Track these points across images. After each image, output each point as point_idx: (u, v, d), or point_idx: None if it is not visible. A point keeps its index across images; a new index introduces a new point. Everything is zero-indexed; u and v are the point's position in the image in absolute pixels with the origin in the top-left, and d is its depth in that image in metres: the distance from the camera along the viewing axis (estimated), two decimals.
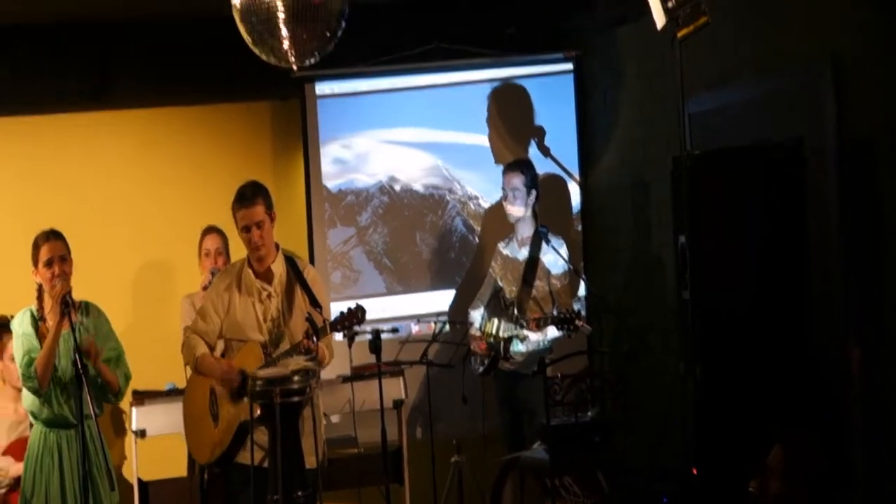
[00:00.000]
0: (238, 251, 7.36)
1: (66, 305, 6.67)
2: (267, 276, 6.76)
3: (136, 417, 7.73)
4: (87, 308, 7.17)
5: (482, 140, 9.05)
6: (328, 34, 5.53)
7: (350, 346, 7.37)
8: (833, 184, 6.27)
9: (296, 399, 6.14)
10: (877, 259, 6.06)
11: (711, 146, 6.99)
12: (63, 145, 9.11)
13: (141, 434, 7.69)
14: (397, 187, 9.03)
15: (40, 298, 7.03)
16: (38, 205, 8.80)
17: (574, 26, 9.16)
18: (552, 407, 7.17)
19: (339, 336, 7.21)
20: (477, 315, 8.11)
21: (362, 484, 7.69)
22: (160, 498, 7.88)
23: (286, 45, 5.49)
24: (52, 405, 6.96)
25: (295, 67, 5.87)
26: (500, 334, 7.83)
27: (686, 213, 6.24)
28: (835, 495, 5.80)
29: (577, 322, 7.40)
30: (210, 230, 8.21)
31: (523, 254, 7.98)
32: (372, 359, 7.30)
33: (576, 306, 7.76)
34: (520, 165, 8.09)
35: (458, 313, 8.63)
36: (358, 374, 7.91)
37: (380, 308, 8.71)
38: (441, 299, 8.95)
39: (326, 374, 7.36)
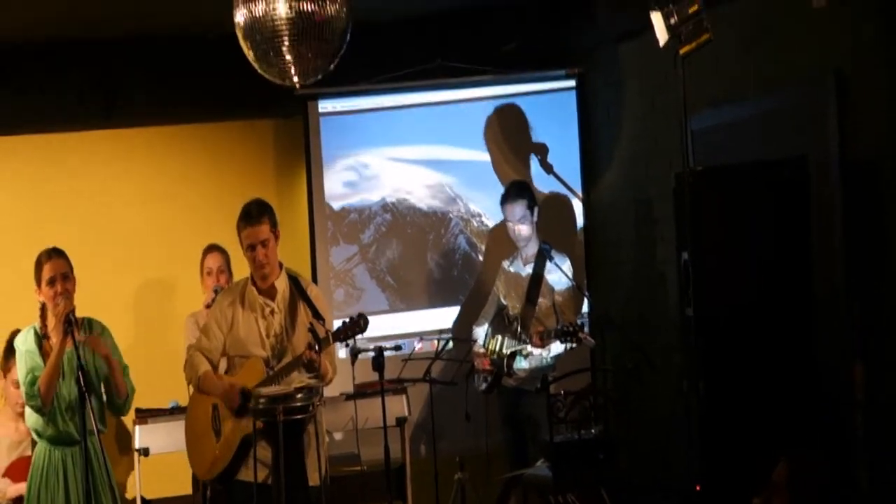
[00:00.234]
0: (240, 269, 7.37)
1: (70, 324, 6.67)
2: (270, 293, 6.77)
3: (140, 435, 7.72)
4: (90, 325, 7.17)
5: (486, 157, 9.07)
6: (331, 52, 5.53)
7: (353, 363, 7.39)
8: (837, 200, 6.28)
9: (299, 416, 6.15)
10: (881, 276, 6.06)
11: (714, 163, 6.99)
12: (67, 163, 9.13)
13: (144, 452, 7.68)
14: (400, 205, 9.03)
15: (43, 317, 7.03)
16: (41, 223, 8.83)
17: (577, 43, 9.16)
18: (555, 424, 7.17)
19: (342, 353, 7.21)
20: (481, 332, 8.11)
21: (365, 502, 7.70)
22: None
23: (289, 63, 5.49)
24: (56, 423, 6.95)
25: (298, 85, 5.88)
26: (504, 351, 7.83)
27: (689, 230, 6.23)
28: None
29: (580, 335, 7.40)
30: (211, 248, 8.21)
31: (527, 271, 7.99)
32: (375, 376, 7.32)
33: (579, 322, 7.76)
34: (517, 192, 8.06)
35: (461, 330, 8.62)
36: (361, 392, 7.91)
37: (383, 325, 8.69)
38: (444, 317, 8.94)
39: (329, 391, 7.35)
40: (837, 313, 6.28)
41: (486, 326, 8.10)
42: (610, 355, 8.56)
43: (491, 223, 9.00)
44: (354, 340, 6.92)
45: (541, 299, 7.88)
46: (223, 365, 6.91)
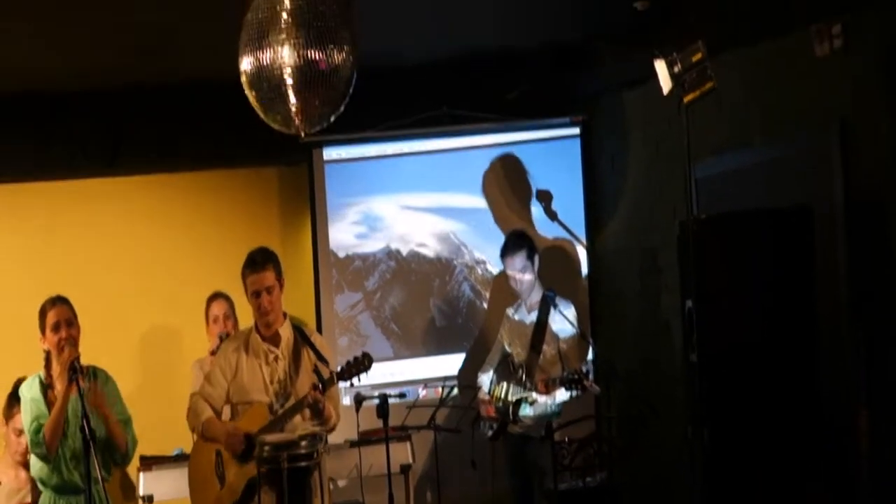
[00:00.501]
0: (245, 316, 7.37)
1: (75, 371, 6.65)
2: (274, 340, 6.79)
3: (144, 483, 7.72)
4: (94, 373, 7.16)
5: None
6: (337, 100, 5.55)
7: (357, 410, 7.38)
8: (841, 248, 6.29)
9: (303, 464, 6.14)
10: (885, 323, 6.06)
11: (718, 211, 7.00)
12: (73, 211, 9.16)
13: (149, 500, 7.68)
14: (405, 252, 9.04)
15: (48, 365, 7.04)
16: (46, 271, 8.83)
17: (581, 91, 9.19)
18: (560, 471, 7.15)
19: (346, 400, 7.19)
20: (486, 379, 8.10)
21: None
22: None
23: (295, 111, 5.50)
24: (60, 472, 6.95)
25: (303, 133, 5.90)
26: (509, 398, 7.81)
27: (693, 278, 6.23)
28: None
29: (585, 382, 7.39)
30: (216, 296, 8.22)
31: (531, 318, 7.98)
32: (379, 423, 7.32)
33: (584, 369, 7.75)
34: (516, 244, 8.04)
35: (466, 377, 8.61)
36: (365, 439, 7.88)
37: (387, 372, 8.70)
38: (448, 364, 8.92)
39: (334, 438, 7.34)
40: (842, 361, 6.28)
41: (490, 373, 8.09)
42: (615, 402, 8.54)
43: (495, 270, 9.00)
44: (359, 379, 6.89)
45: (545, 347, 7.87)
46: (226, 412, 6.91)
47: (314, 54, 5.36)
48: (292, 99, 5.44)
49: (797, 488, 6.00)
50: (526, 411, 7.79)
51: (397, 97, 8.97)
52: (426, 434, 8.12)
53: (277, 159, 9.31)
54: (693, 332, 6.16)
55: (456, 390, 8.28)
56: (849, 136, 6.26)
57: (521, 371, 7.84)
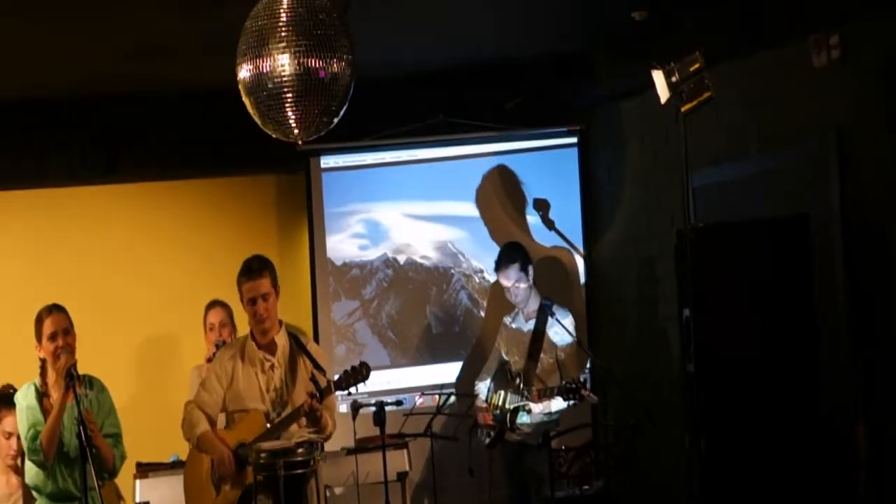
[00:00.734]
0: (243, 324, 7.37)
1: (71, 378, 6.64)
2: (270, 348, 6.78)
3: (140, 490, 7.71)
4: (90, 382, 7.14)
5: (487, 213, 9.09)
6: (335, 108, 5.55)
7: (354, 417, 7.37)
8: (838, 258, 6.30)
9: (300, 471, 6.14)
10: (884, 333, 6.06)
11: (715, 220, 7.01)
12: (69, 219, 9.16)
13: None
14: (402, 260, 9.05)
15: (44, 374, 7.01)
16: (43, 278, 8.84)
17: (578, 100, 9.20)
18: (557, 479, 7.14)
19: (343, 408, 7.18)
20: (483, 387, 8.10)
21: None
22: None
23: (293, 119, 5.50)
24: (56, 479, 6.92)
25: (301, 141, 5.89)
26: (507, 406, 7.81)
27: (690, 287, 6.23)
28: None
29: (582, 392, 7.39)
30: (214, 304, 8.22)
31: (528, 327, 7.98)
32: (376, 431, 7.31)
33: (581, 378, 7.75)
34: (508, 256, 8.01)
35: (464, 385, 8.61)
36: (362, 447, 7.89)
37: (384, 380, 8.71)
38: (445, 372, 8.92)
39: (330, 445, 7.34)
40: (840, 371, 6.28)
41: (488, 381, 8.09)
42: (612, 411, 8.54)
43: (492, 279, 8.98)
44: (357, 389, 6.89)
45: (543, 355, 7.87)
46: (222, 420, 6.90)
47: (313, 62, 5.36)
48: (291, 107, 5.44)
49: (794, 498, 6.00)
50: (523, 419, 7.79)
51: (395, 106, 8.97)
52: (423, 442, 8.12)
53: (275, 167, 9.32)
54: (690, 341, 6.16)
55: (453, 398, 8.28)
56: (846, 146, 6.27)
57: (518, 379, 7.83)
